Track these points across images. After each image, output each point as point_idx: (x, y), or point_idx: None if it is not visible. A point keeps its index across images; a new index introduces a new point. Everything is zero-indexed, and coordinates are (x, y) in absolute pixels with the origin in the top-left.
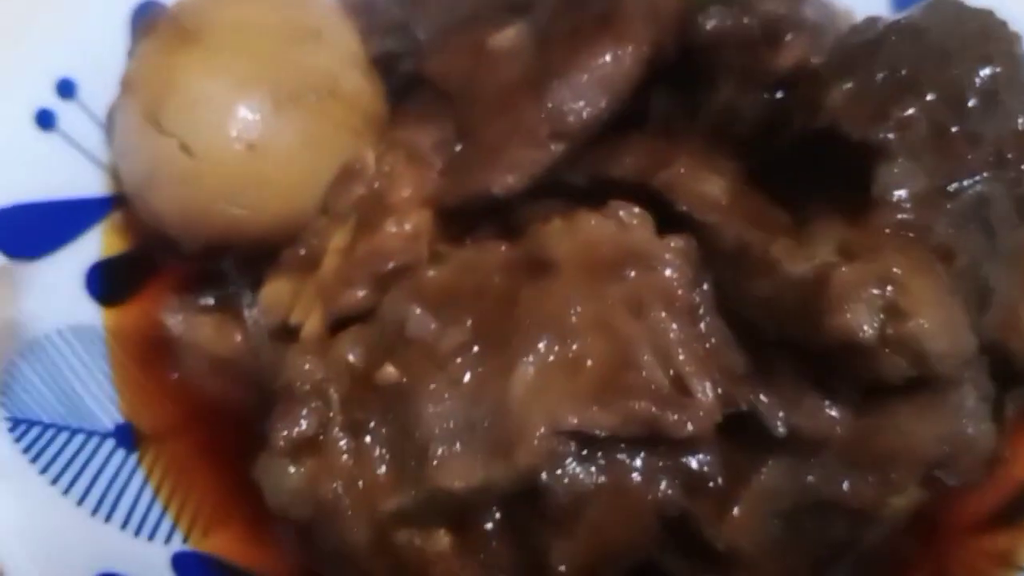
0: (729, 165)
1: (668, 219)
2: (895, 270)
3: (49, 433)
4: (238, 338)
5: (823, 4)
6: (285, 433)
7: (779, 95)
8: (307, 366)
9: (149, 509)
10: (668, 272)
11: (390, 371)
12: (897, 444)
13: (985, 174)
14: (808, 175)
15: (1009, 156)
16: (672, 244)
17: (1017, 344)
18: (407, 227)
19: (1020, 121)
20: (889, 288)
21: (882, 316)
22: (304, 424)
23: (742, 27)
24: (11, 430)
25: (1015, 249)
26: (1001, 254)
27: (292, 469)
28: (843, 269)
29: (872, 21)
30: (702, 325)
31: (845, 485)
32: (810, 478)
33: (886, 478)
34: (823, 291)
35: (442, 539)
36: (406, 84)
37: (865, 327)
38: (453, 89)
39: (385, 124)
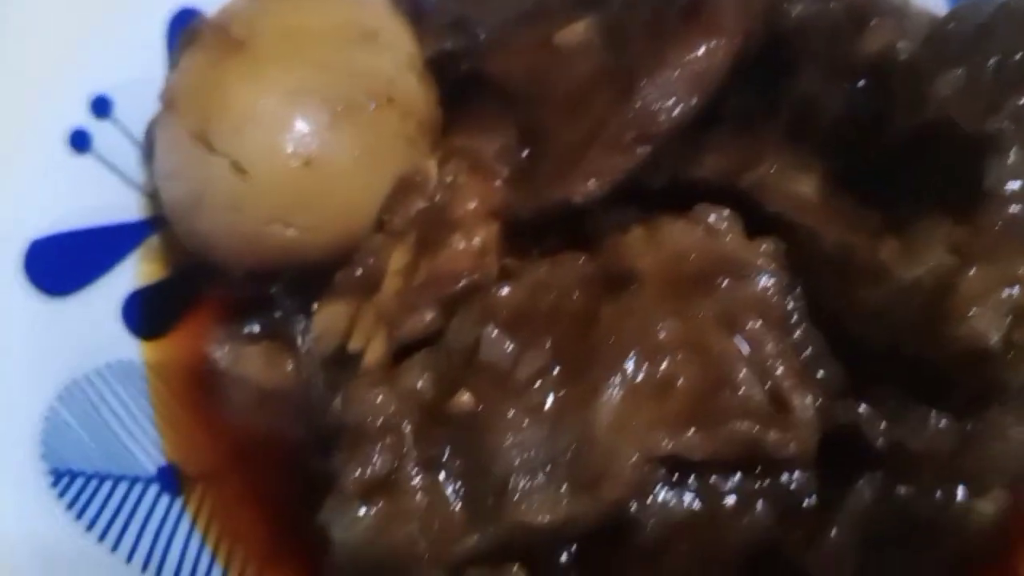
0: (817, 163)
1: (754, 223)
2: (1021, 271)
3: (92, 484)
4: (289, 368)
5: None
6: (358, 473)
7: (862, 84)
8: (379, 399)
9: (198, 559)
10: (763, 280)
11: (465, 399)
12: (995, 450)
13: None
14: (903, 173)
15: None
16: (763, 248)
17: None
18: (475, 242)
19: None
20: (1017, 290)
21: (1010, 320)
22: (378, 463)
23: (827, 12)
24: (53, 484)
25: None
26: None
27: (363, 512)
28: (970, 274)
29: (974, 6)
30: (797, 334)
31: (939, 497)
32: (903, 491)
33: (979, 487)
34: (947, 298)
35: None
36: (462, 87)
37: (992, 331)
38: (517, 90)
39: (440, 131)
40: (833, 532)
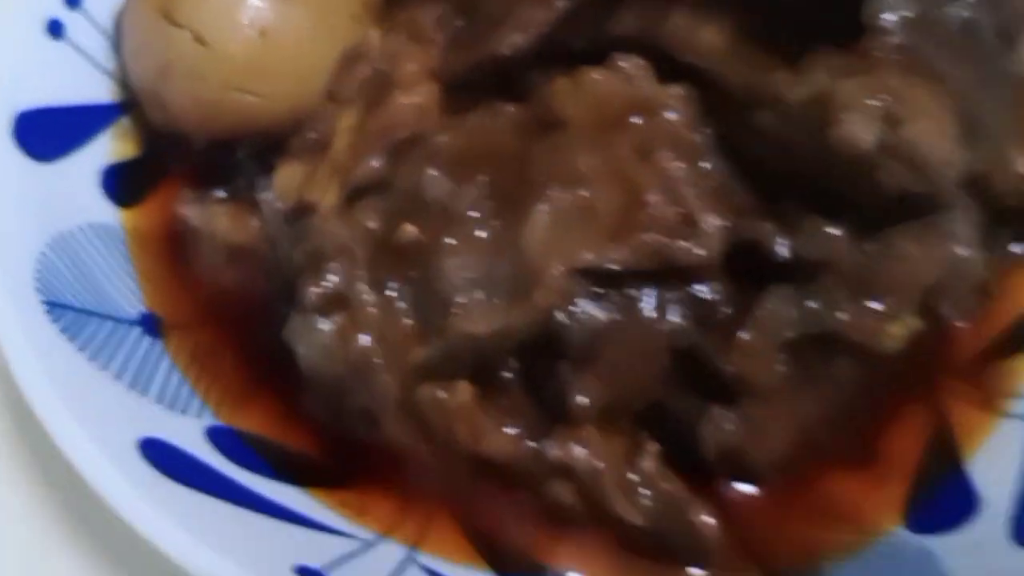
0: (725, 16)
1: (670, 72)
2: (891, 82)
3: (82, 318)
4: (254, 225)
5: None
6: (316, 290)
7: None
8: (333, 227)
9: (179, 388)
10: (672, 116)
11: (409, 230)
12: (896, 269)
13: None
14: (800, 16)
15: None
16: (674, 91)
17: (1001, 184)
18: (415, 99)
19: None
20: (887, 97)
21: (881, 125)
22: (334, 280)
23: None
24: (48, 312)
25: (1002, 82)
26: (988, 84)
27: (323, 325)
28: (842, 84)
29: None
30: (707, 164)
31: (846, 313)
32: (812, 304)
33: (884, 304)
34: (824, 108)
35: (464, 391)
36: None
37: (866, 135)
38: None
39: (384, 9)
40: (743, 334)
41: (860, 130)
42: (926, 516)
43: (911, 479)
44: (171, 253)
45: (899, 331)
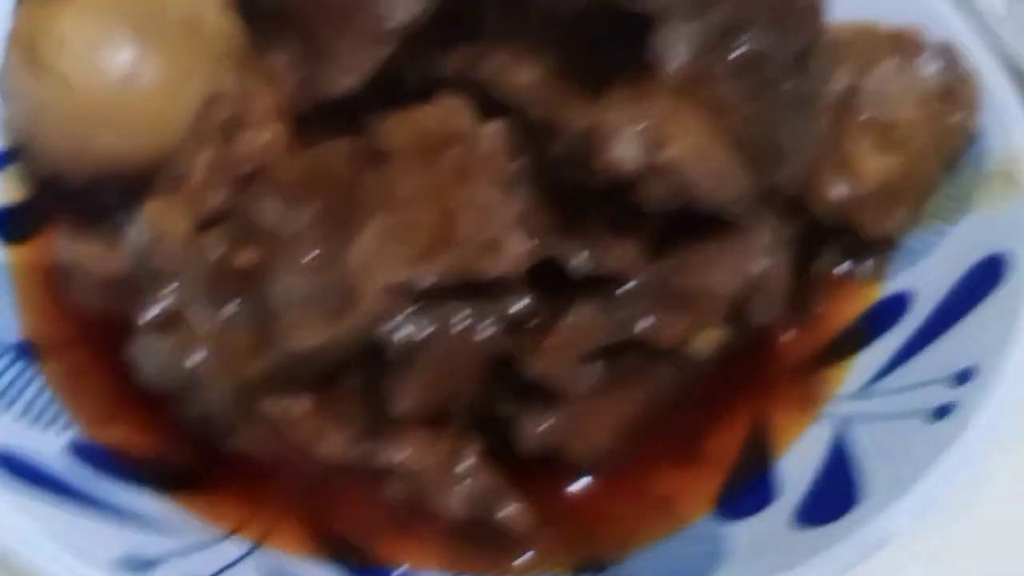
0: (543, 56)
1: (491, 107)
2: (657, 110)
3: None
4: (121, 257)
5: None
6: (149, 312)
7: None
8: (167, 255)
9: (46, 408)
10: (485, 148)
11: (246, 255)
12: (694, 282)
13: (758, 31)
14: (610, 55)
15: (779, 14)
16: (491, 125)
17: (819, 201)
18: (262, 138)
19: None
20: (649, 124)
21: (644, 147)
22: (166, 302)
23: None
24: None
25: (800, 107)
26: (786, 111)
27: (160, 343)
28: (608, 113)
29: None
30: (518, 190)
31: (652, 322)
32: (620, 316)
33: (688, 314)
34: (595, 136)
35: (304, 401)
36: (262, 15)
37: (626, 157)
38: (301, 12)
39: (245, 54)
40: (547, 342)
41: (622, 154)
42: (730, 506)
43: (725, 474)
44: (51, 285)
45: (707, 339)
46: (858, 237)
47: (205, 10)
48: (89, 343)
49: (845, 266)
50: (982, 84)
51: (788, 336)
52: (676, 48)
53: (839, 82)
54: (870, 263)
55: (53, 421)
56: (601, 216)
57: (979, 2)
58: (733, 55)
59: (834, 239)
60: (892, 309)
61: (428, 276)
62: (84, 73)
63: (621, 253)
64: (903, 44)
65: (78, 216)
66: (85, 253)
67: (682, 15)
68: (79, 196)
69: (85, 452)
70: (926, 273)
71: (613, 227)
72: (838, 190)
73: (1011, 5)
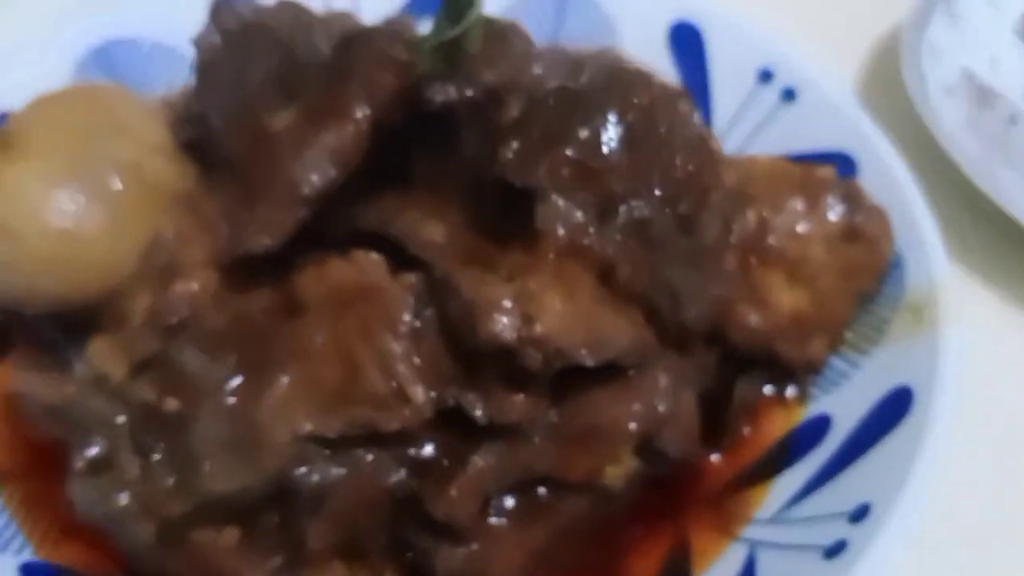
0: (455, 212)
1: (407, 260)
2: (530, 286)
3: None
4: (69, 389)
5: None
6: (80, 458)
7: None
8: (96, 404)
9: (2, 530)
10: (392, 302)
11: (172, 402)
12: (596, 423)
13: (636, 201)
14: (509, 216)
15: (657, 184)
16: (401, 280)
17: (735, 333)
18: (193, 285)
19: (663, 156)
20: (523, 299)
21: (518, 323)
22: (95, 449)
23: (466, 98)
24: None
25: (692, 257)
26: (679, 262)
27: (90, 485)
28: (486, 288)
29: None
30: (423, 342)
31: (558, 460)
32: (524, 458)
33: (595, 451)
34: (474, 307)
35: (229, 534)
36: (211, 164)
37: (503, 331)
38: (239, 163)
39: (188, 198)
40: (452, 488)
41: (499, 328)
42: None
43: None
44: (6, 411)
45: (617, 472)
46: (778, 364)
47: (148, 158)
48: (41, 468)
49: (768, 390)
50: (891, 222)
51: (712, 459)
52: (555, 221)
53: (750, 219)
54: (792, 387)
55: (8, 544)
56: (497, 369)
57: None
58: (616, 222)
59: (756, 365)
60: (811, 433)
61: (331, 428)
62: (30, 227)
63: (516, 404)
64: (811, 184)
65: (32, 346)
66: (33, 383)
67: (559, 191)
68: (32, 328)
69: (36, 573)
70: (843, 399)
71: (508, 379)
72: (753, 320)
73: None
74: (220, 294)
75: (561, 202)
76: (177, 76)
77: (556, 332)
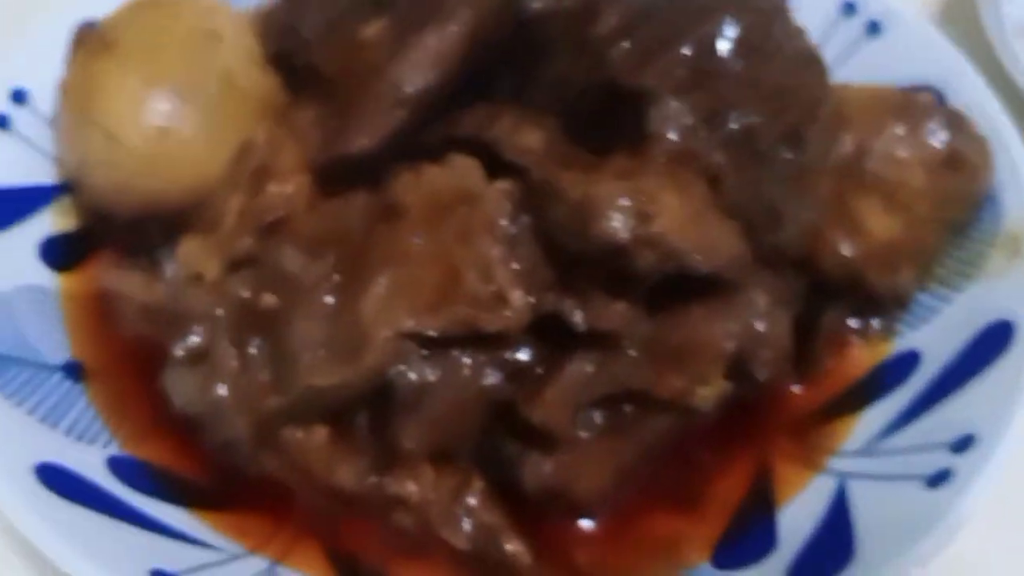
0: (550, 120)
1: (500, 167)
2: (647, 184)
3: (6, 364)
4: (161, 288)
5: None
6: (180, 346)
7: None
8: (197, 295)
9: (90, 424)
10: (490, 207)
11: (269, 298)
12: (691, 339)
13: (748, 109)
14: (610, 123)
15: (768, 94)
16: (497, 186)
17: (826, 260)
18: (287, 188)
19: (776, 65)
20: (640, 198)
21: (634, 221)
22: (195, 339)
23: (563, 5)
24: None
25: (797, 174)
26: (782, 179)
27: (188, 376)
28: (599, 186)
29: None
30: (520, 248)
31: (650, 376)
32: (618, 369)
33: (687, 370)
34: (588, 207)
35: (320, 432)
36: (298, 74)
37: (618, 229)
38: (331, 75)
39: (282, 110)
40: (547, 392)
41: (613, 226)
42: (728, 554)
43: (726, 521)
44: (97, 311)
45: (707, 392)
46: (866, 295)
47: (241, 66)
48: (130, 366)
49: (854, 323)
50: (993, 151)
51: (795, 389)
52: (667, 124)
53: (847, 144)
54: (878, 321)
55: (95, 438)
56: (597, 276)
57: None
58: (725, 130)
59: (842, 296)
60: (899, 368)
61: (433, 326)
62: (128, 127)
63: (615, 312)
64: (913, 109)
65: (122, 247)
66: (128, 283)
67: (673, 93)
68: (123, 229)
69: (123, 467)
70: (933, 335)
71: (608, 287)
72: (844, 247)
73: None
74: (314, 198)
75: (674, 104)
76: None
77: (672, 232)
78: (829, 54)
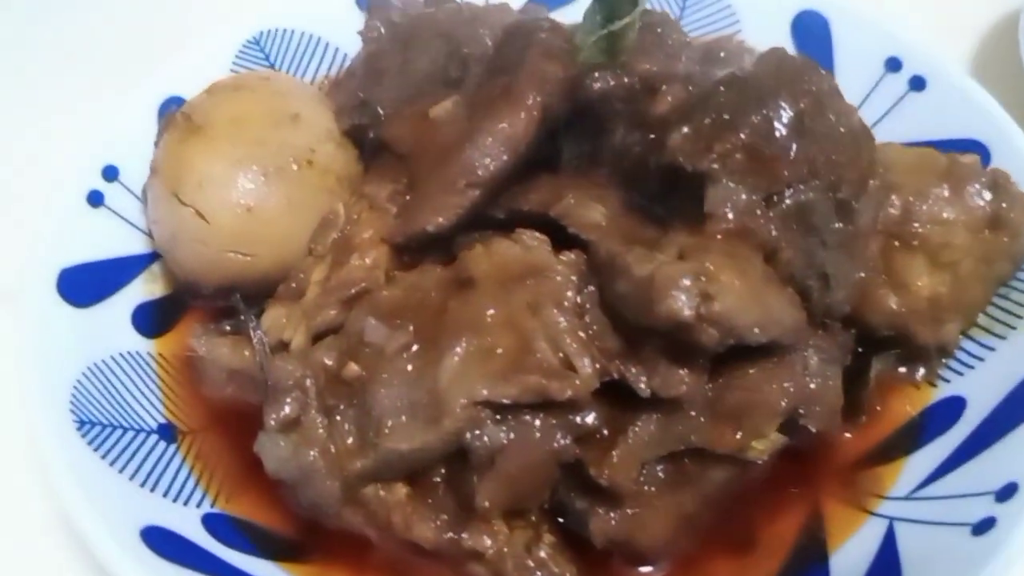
0: (612, 194)
1: (565, 239)
2: (707, 265)
3: (107, 431)
4: (247, 353)
5: (712, 52)
6: (274, 416)
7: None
8: (289, 367)
9: (184, 483)
10: (559, 279)
11: (353, 368)
12: (748, 399)
13: (802, 187)
14: (670, 199)
15: (821, 171)
16: (563, 258)
17: (873, 314)
18: (367, 260)
19: (828, 144)
20: (702, 278)
21: (697, 300)
22: (287, 409)
23: (623, 84)
24: (79, 429)
25: (845, 241)
26: (833, 246)
27: (281, 443)
28: (664, 267)
29: (731, 75)
30: (586, 317)
31: (710, 433)
32: (679, 429)
33: (744, 426)
34: (652, 284)
35: (400, 491)
36: (373, 149)
37: (682, 308)
38: (405, 151)
39: (358, 181)
40: (614, 455)
41: (678, 305)
42: None
43: (781, 563)
44: (186, 374)
45: (763, 445)
46: (913, 346)
47: (320, 145)
48: (220, 427)
49: (901, 371)
50: None
51: (843, 435)
52: (725, 205)
53: (894, 205)
54: (924, 369)
55: (190, 497)
56: (659, 344)
57: None
58: (780, 206)
59: (889, 346)
60: (945, 414)
61: (506, 395)
62: (217, 207)
63: (679, 379)
64: (957, 171)
65: (210, 315)
66: (216, 349)
67: (730, 176)
68: (211, 297)
69: (216, 524)
70: (979, 382)
71: (671, 355)
72: (892, 302)
73: None
74: (392, 268)
75: (732, 185)
76: (324, 65)
77: (733, 311)
78: (875, 108)
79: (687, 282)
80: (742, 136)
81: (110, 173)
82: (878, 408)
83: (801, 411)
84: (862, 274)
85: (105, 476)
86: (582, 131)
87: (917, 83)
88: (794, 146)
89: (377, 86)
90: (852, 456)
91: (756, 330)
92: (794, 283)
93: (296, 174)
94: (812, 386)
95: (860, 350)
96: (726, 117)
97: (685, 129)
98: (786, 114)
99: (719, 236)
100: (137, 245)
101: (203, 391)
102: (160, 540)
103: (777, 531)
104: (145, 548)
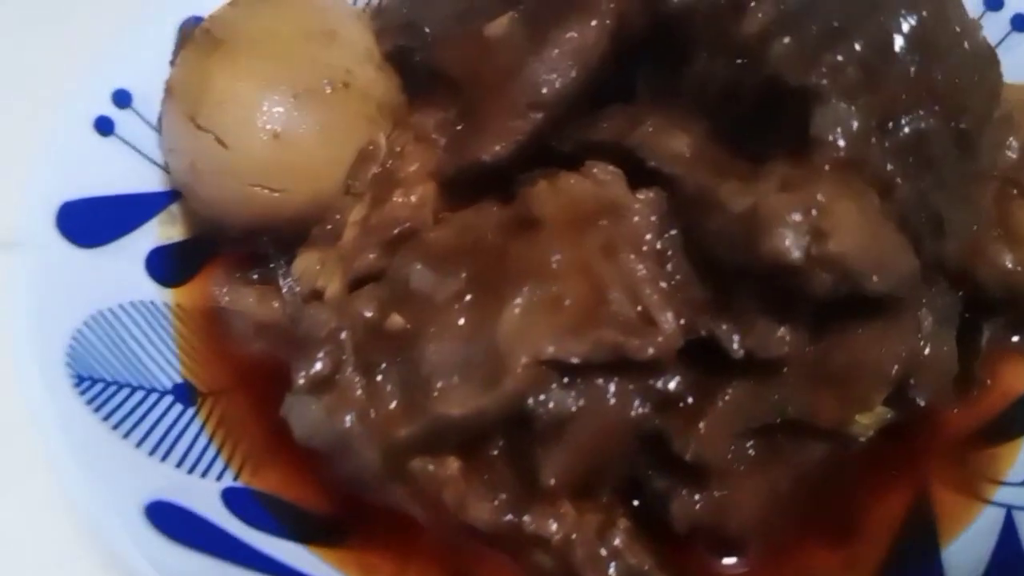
0: (696, 123)
1: (642, 175)
2: (819, 197)
3: (111, 389)
4: (276, 305)
5: None
6: (304, 373)
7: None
8: (322, 317)
9: (203, 452)
10: (637, 220)
11: (397, 319)
12: (855, 363)
13: (921, 112)
14: (765, 126)
15: (943, 95)
16: (641, 196)
17: (985, 273)
18: (413, 197)
19: (952, 62)
20: (813, 212)
21: (808, 238)
22: (320, 365)
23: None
24: (76, 386)
25: (964, 181)
26: (950, 186)
27: (312, 404)
28: (768, 199)
29: None
30: (668, 265)
31: (809, 403)
32: (775, 397)
33: (849, 395)
34: (756, 220)
35: (452, 464)
36: (417, 74)
37: (791, 248)
38: (457, 76)
39: (401, 111)
40: (701, 426)
41: (786, 243)
42: None
43: (885, 557)
44: (207, 328)
45: (868, 420)
46: None
47: (359, 66)
48: (245, 387)
49: (1014, 340)
50: None
51: (952, 410)
52: (835, 130)
53: (1011, 147)
54: None
55: (209, 468)
56: (755, 295)
57: None
58: (896, 136)
59: (1001, 310)
60: None
61: (576, 353)
62: (240, 132)
63: (778, 338)
64: None
65: (235, 261)
66: (242, 299)
67: (843, 95)
68: (236, 241)
69: (238, 500)
70: None
71: (768, 307)
72: (1005, 259)
73: None
74: (441, 208)
75: (843, 106)
76: None
77: (851, 252)
78: None
79: (797, 217)
80: (856, 47)
81: (122, 98)
82: (988, 381)
83: (912, 380)
84: (977, 223)
85: (104, 440)
86: (659, 60)
87: (1019, 22)
88: (915, 61)
89: (424, 6)
90: (962, 435)
91: (875, 277)
92: (906, 227)
93: (330, 97)
94: (927, 351)
95: (967, 315)
96: (836, 25)
97: (787, 39)
98: (906, 24)
99: (827, 167)
100: (153, 182)
101: (226, 347)
102: (166, 517)
103: (879, 519)
104: (149, 527)
